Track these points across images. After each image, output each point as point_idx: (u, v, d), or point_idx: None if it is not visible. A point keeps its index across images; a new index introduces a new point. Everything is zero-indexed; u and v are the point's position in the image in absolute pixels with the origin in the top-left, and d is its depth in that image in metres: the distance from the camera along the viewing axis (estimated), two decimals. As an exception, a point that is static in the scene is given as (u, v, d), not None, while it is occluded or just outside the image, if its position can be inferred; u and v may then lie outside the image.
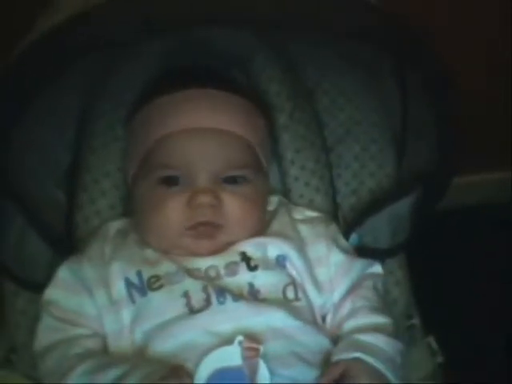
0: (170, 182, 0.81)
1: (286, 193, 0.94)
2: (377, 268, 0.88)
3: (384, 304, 0.85)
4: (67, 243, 0.87)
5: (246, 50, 0.92)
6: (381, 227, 0.92)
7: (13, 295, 0.84)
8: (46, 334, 0.78)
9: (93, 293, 0.79)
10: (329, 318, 0.83)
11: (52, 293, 0.80)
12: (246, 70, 0.93)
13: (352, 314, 0.82)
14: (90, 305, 0.79)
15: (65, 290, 0.80)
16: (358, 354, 0.76)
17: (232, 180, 0.82)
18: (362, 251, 0.90)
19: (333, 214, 0.94)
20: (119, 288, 0.78)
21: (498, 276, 1.27)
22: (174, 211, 0.80)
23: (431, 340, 0.90)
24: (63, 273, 0.81)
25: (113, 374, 0.72)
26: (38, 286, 0.82)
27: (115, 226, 0.86)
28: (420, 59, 0.77)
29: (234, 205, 0.81)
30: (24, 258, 0.83)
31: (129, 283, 0.78)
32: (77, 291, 0.80)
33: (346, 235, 0.91)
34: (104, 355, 0.77)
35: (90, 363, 0.74)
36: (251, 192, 0.83)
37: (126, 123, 0.89)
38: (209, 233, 0.80)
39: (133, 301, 0.78)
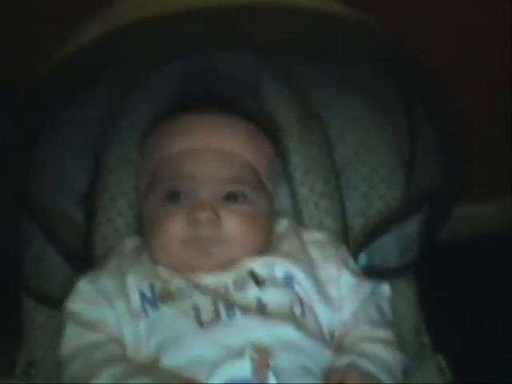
0: (172, 197, 0.84)
1: (296, 214, 0.96)
2: (384, 288, 0.90)
3: (386, 321, 0.87)
4: (85, 260, 0.89)
5: (254, 75, 0.95)
6: (389, 247, 0.94)
7: (32, 311, 0.87)
8: (70, 339, 0.80)
9: (113, 303, 0.81)
10: (337, 337, 0.85)
11: (73, 305, 0.83)
12: (255, 94, 0.96)
13: (353, 328, 0.84)
14: (111, 314, 0.81)
15: (85, 302, 0.82)
16: (353, 359, 0.78)
17: (232, 198, 0.85)
18: (371, 271, 0.92)
19: (342, 234, 0.96)
20: (135, 300, 0.81)
21: (497, 310, 1.29)
22: (173, 226, 0.83)
23: (440, 358, 0.91)
24: (83, 285, 0.84)
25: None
26: (55, 302, 0.85)
27: (130, 243, 0.89)
28: (421, 78, 0.79)
29: (232, 222, 0.83)
30: (43, 275, 0.86)
31: (143, 296, 0.81)
32: (97, 302, 0.82)
33: (355, 255, 0.93)
34: (127, 363, 0.78)
35: (114, 370, 0.76)
36: (251, 211, 0.85)
37: (140, 146, 0.93)
38: (206, 248, 0.82)
39: (146, 313, 0.80)
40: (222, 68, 0.94)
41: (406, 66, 0.77)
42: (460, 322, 1.22)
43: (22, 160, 0.85)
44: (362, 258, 0.94)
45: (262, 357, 0.74)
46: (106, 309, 0.82)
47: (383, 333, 0.84)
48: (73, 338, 0.80)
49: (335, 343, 0.84)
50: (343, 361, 0.79)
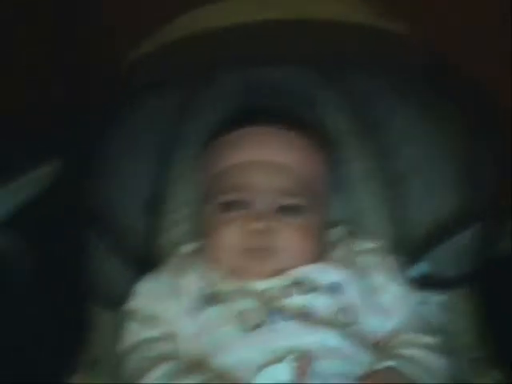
0: (229, 207, 0.87)
1: (351, 223, 0.97)
2: (432, 299, 0.91)
3: (432, 330, 0.86)
4: (145, 265, 0.93)
5: (312, 87, 0.98)
6: (446, 257, 0.94)
7: (96, 314, 0.94)
8: (129, 335, 0.85)
9: (168, 302, 0.86)
10: (380, 346, 0.85)
11: (133, 304, 0.87)
12: (312, 106, 0.98)
13: (396, 336, 0.85)
14: (167, 312, 0.85)
15: (144, 301, 0.87)
16: (390, 363, 0.79)
17: (286, 210, 0.87)
18: (426, 281, 0.93)
19: (398, 244, 0.96)
20: (187, 301, 0.85)
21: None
22: (229, 235, 0.86)
23: (497, 373, 0.90)
24: (141, 286, 0.88)
25: (189, 381, 0.78)
26: (117, 304, 0.89)
27: (189, 247, 0.93)
28: (479, 101, 0.80)
29: (285, 234, 0.86)
30: (106, 279, 0.93)
31: (194, 297, 0.85)
32: (154, 301, 0.86)
33: (411, 265, 0.94)
34: (182, 360, 0.82)
35: (169, 366, 0.80)
36: (304, 223, 0.87)
37: (199, 157, 0.96)
38: (259, 257, 0.85)
39: (196, 314, 0.84)
40: (280, 80, 0.97)
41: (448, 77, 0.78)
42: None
43: (87, 172, 0.93)
44: (418, 268, 0.94)
45: (303, 362, 0.76)
46: (162, 307, 0.85)
47: (427, 339, 0.84)
48: (131, 334, 0.85)
49: (379, 352, 0.84)
50: (382, 364, 0.80)
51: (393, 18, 0.92)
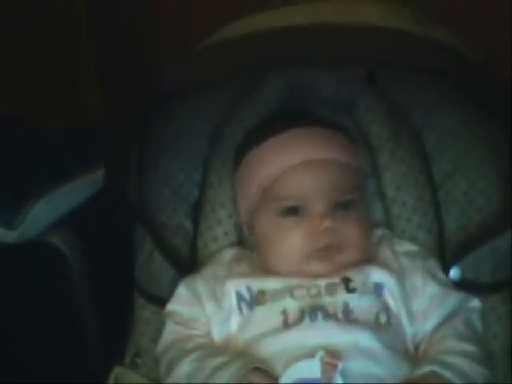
0: (290, 211, 0.90)
1: (389, 228, 0.98)
2: (474, 303, 0.91)
3: (474, 337, 0.87)
4: (189, 265, 0.98)
5: (350, 96, 0.99)
6: (482, 262, 0.94)
7: (141, 307, 0.98)
8: (168, 335, 0.91)
9: (203, 305, 0.90)
10: (421, 348, 0.87)
11: (172, 306, 0.93)
12: (350, 113, 1.00)
13: (438, 341, 0.86)
14: (202, 314, 0.90)
15: (182, 304, 0.92)
16: (433, 367, 0.80)
17: (343, 206, 0.90)
18: (464, 286, 0.93)
19: (437, 249, 0.97)
20: (230, 299, 0.89)
21: None
22: (299, 237, 0.88)
23: (532, 380, 0.90)
24: (181, 289, 0.93)
25: (217, 361, 0.83)
26: (161, 301, 0.94)
27: (230, 253, 0.96)
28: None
29: (347, 228, 0.89)
30: (151, 275, 0.97)
31: (239, 296, 0.88)
32: (191, 304, 0.91)
33: (449, 269, 0.94)
34: (211, 347, 0.87)
35: (199, 352, 0.85)
36: (359, 217, 0.91)
37: (236, 162, 0.98)
38: (327, 256, 0.88)
39: (241, 312, 0.88)
40: (317, 87, 0.99)
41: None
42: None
43: (137, 171, 0.99)
44: (455, 272, 0.95)
45: (332, 359, 0.78)
46: (198, 310, 0.90)
47: (468, 347, 0.85)
48: (170, 335, 0.90)
49: (419, 355, 0.86)
50: (423, 369, 0.81)
51: (435, 26, 0.94)
